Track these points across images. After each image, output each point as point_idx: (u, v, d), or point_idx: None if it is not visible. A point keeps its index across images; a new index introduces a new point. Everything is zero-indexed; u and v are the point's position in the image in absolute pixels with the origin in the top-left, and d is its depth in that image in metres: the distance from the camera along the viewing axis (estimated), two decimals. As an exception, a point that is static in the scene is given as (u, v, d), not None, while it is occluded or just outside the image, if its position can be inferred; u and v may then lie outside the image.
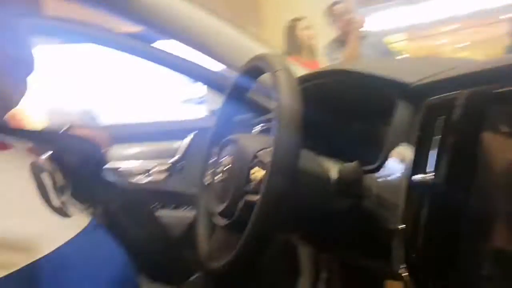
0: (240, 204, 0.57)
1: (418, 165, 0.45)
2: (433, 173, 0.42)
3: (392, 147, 0.54)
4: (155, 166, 1.26)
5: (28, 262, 0.43)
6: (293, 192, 0.49)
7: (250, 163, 0.57)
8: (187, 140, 1.23)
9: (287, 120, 0.49)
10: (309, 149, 0.63)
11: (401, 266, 0.43)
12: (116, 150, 1.29)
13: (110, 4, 0.84)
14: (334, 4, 2.67)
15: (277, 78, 0.54)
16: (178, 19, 0.87)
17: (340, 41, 2.64)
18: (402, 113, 0.55)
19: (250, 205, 0.54)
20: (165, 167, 1.26)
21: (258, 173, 0.55)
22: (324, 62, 2.69)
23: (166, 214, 1.25)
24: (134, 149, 1.30)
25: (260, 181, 0.54)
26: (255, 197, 0.54)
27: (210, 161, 0.79)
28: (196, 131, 1.23)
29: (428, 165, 0.43)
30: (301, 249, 1.06)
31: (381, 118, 0.62)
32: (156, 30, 0.89)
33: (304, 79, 0.76)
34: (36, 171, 0.53)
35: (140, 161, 1.30)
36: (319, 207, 0.60)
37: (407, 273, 0.42)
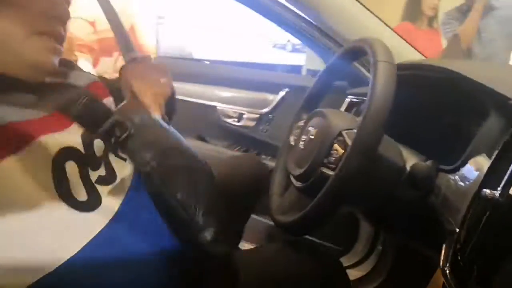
0: (316, 173, 0.65)
1: (489, 180, 0.48)
2: (501, 192, 0.45)
3: (473, 155, 0.56)
4: (247, 113, 1.38)
5: (54, 268, 0.44)
6: (367, 172, 0.56)
7: (333, 139, 0.64)
8: (280, 95, 1.31)
9: (375, 112, 0.54)
10: (392, 134, 0.68)
11: (446, 265, 0.48)
12: (212, 91, 1.43)
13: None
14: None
15: (377, 68, 0.58)
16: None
17: (462, 12, 2.39)
18: (492, 125, 0.56)
19: (324, 177, 0.62)
20: (256, 115, 1.37)
21: (338, 150, 0.62)
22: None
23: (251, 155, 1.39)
24: (229, 92, 1.42)
25: (339, 158, 0.61)
26: (331, 172, 0.62)
27: (298, 123, 0.87)
28: (288, 89, 1.30)
29: (499, 182, 0.46)
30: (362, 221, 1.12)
31: (470, 121, 0.63)
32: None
33: (403, 67, 0.77)
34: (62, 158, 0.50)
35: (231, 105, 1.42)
36: (388, 191, 0.66)
37: (450, 273, 0.47)
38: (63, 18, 0.56)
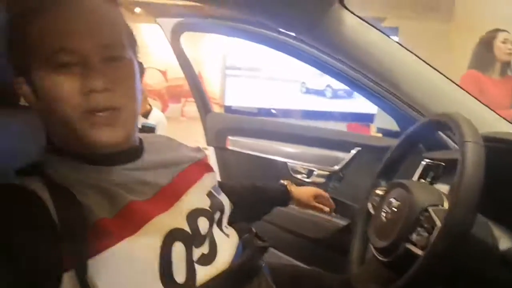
0: (400, 249, 0.64)
1: None
2: None
3: None
4: (317, 170, 1.40)
5: None
6: (458, 253, 0.55)
7: (419, 215, 0.64)
8: (351, 153, 1.32)
9: (467, 196, 0.54)
10: (482, 211, 0.66)
11: None
12: (284, 147, 1.48)
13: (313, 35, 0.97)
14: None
15: (466, 150, 0.58)
16: (377, 53, 0.93)
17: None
18: None
19: (410, 255, 0.62)
20: (326, 173, 1.38)
21: (425, 228, 0.62)
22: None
23: (318, 216, 1.39)
24: (300, 149, 1.46)
25: (426, 237, 0.61)
26: (418, 250, 0.61)
27: (377, 190, 0.87)
28: (360, 148, 1.31)
29: None
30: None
31: None
32: (349, 60, 0.99)
33: (489, 139, 0.76)
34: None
35: (301, 162, 1.45)
36: (480, 271, 0.63)
37: None
38: (98, 89, 0.52)
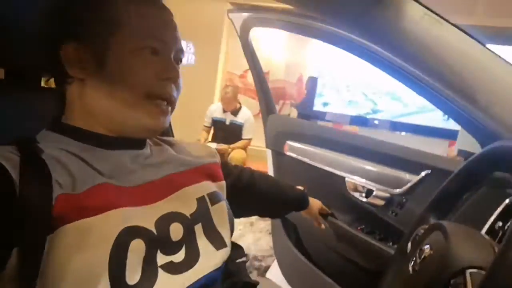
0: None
1: None
2: None
3: None
4: (377, 190, 1.20)
5: None
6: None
7: (451, 277, 0.46)
8: (418, 176, 1.10)
9: None
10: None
11: None
12: (343, 159, 1.31)
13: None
14: None
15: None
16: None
17: None
18: None
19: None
20: (386, 195, 1.18)
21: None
22: None
23: (371, 242, 1.20)
24: (360, 163, 1.28)
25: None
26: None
27: (421, 227, 0.69)
28: (430, 171, 1.08)
29: None
30: None
31: None
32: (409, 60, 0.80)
33: None
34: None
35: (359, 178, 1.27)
36: None
37: None
38: (174, 79, 0.59)
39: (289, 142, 1.49)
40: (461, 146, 1.13)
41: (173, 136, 0.99)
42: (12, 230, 0.44)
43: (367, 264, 1.24)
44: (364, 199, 1.24)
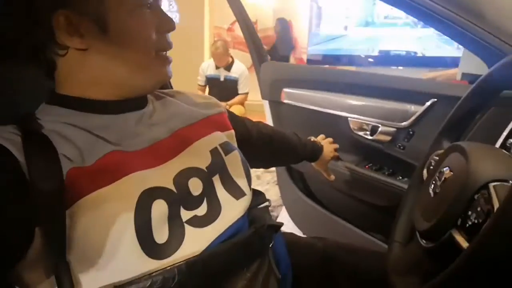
0: (445, 235, 0.47)
1: None
2: None
3: None
4: (383, 126, 1.19)
5: None
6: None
7: (474, 193, 0.45)
8: (424, 106, 1.08)
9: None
10: None
11: None
12: (344, 100, 1.28)
13: None
14: None
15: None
16: None
17: None
18: None
19: (455, 244, 0.44)
20: (392, 129, 1.17)
21: (478, 212, 0.43)
22: None
23: (380, 179, 1.20)
24: (363, 101, 1.25)
25: (479, 225, 0.42)
26: (464, 241, 0.43)
27: (436, 153, 0.68)
28: (436, 99, 1.06)
29: None
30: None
31: None
32: None
33: None
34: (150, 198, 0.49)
35: (364, 116, 1.24)
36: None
37: None
38: (171, 30, 0.59)
39: (286, 90, 1.46)
40: (464, 69, 1.10)
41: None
42: (29, 212, 0.43)
43: (378, 200, 1.26)
44: (370, 137, 1.23)
